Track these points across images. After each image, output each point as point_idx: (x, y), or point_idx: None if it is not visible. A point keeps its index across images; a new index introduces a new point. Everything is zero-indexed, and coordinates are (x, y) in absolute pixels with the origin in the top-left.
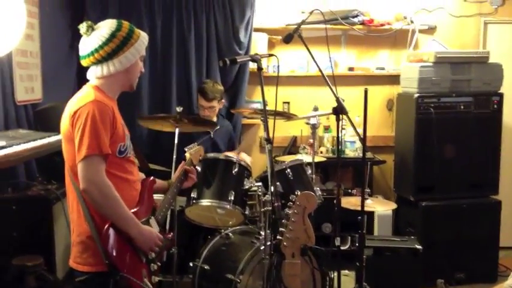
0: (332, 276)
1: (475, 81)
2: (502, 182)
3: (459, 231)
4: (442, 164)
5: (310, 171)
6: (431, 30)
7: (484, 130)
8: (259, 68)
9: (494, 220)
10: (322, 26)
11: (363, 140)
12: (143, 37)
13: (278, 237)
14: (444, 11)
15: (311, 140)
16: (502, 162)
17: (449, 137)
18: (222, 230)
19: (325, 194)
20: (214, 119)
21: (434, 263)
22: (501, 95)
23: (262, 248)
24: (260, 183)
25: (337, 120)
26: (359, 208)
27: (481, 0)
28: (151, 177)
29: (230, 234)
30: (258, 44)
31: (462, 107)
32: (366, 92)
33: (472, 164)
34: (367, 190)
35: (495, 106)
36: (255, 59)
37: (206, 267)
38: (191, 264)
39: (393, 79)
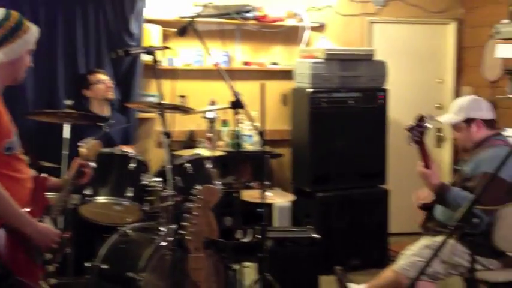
0: (235, 268)
1: (362, 77)
2: (389, 172)
3: (353, 220)
4: (335, 156)
5: (209, 165)
6: (321, 27)
7: (372, 123)
8: (155, 61)
9: (384, 208)
10: (217, 19)
11: (261, 133)
12: (33, 30)
13: (181, 231)
14: (332, 10)
15: (209, 134)
16: (389, 154)
17: (341, 130)
18: (120, 228)
19: (224, 187)
20: (108, 113)
21: (331, 251)
22: (386, 91)
23: (164, 243)
24: (159, 178)
25: (235, 114)
26: (259, 200)
27: (365, 0)
28: (43, 175)
29: (129, 231)
30: (151, 36)
31: (351, 102)
32: (263, 86)
33: (362, 156)
34: (267, 183)
35: (381, 101)
36: (150, 51)
37: (105, 266)
38: (88, 265)
39: (287, 74)
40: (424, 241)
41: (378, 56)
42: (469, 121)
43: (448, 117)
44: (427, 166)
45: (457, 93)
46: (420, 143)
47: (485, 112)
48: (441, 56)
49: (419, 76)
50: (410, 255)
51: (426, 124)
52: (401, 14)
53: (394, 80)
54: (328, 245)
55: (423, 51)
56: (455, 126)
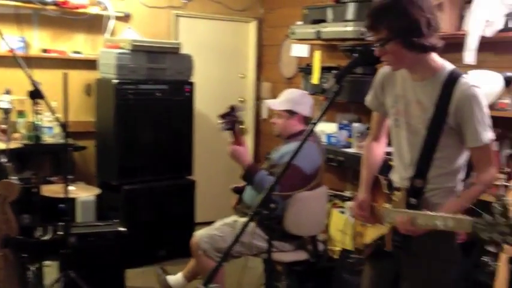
0: (35, 267)
1: (169, 70)
2: (195, 163)
3: (161, 212)
4: (143, 148)
5: (4, 159)
6: (127, 18)
7: (179, 116)
8: None
9: (190, 199)
10: (12, 2)
11: (63, 125)
12: None
13: None
14: (137, 1)
15: (3, 126)
16: (195, 145)
17: (149, 122)
18: None
19: (22, 183)
20: None
21: (138, 244)
22: (193, 84)
23: None
24: None
25: (34, 104)
26: (61, 195)
27: None
28: None
29: None
30: None
31: (159, 94)
32: (65, 76)
33: (169, 148)
34: (70, 177)
35: (188, 94)
36: None
37: None
38: None
39: (91, 64)
40: (229, 219)
41: (184, 50)
42: (291, 113)
43: (274, 103)
44: (239, 145)
45: (258, 88)
46: (232, 129)
47: (308, 109)
48: (243, 53)
49: (223, 71)
50: (213, 228)
51: (237, 113)
52: (206, 10)
53: (200, 74)
54: (135, 238)
55: (227, 47)
56: (278, 113)
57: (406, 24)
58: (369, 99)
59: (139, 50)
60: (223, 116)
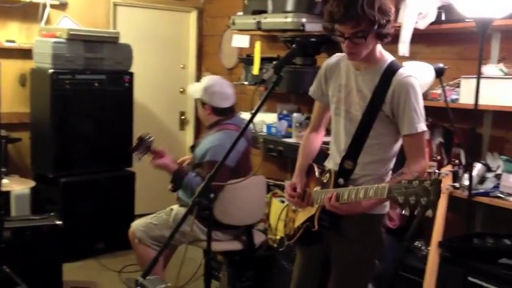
0: None
1: (108, 59)
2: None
3: (99, 204)
4: (81, 140)
5: None
6: (63, 6)
7: (119, 106)
8: None
9: (130, 191)
10: None
11: None
12: None
13: None
14: None
15: None
16: (135, 137)
17: (87, 113)
18: None
19: None
20: None
21: (76, 237)
22: (132, 74)
23: None
24: None
25: None
26: None
27: None
28: None
29: None
30: None
31: (97, 84)
32: None
33: (109, 139)
34: (3, 169)
35: (127, 84)
36: None
37: None
38: None
39: (26, 53)
40: (167, 208)
41: (123, 39)
42: (203, 103)
43: (192, 90)
44: (161, 158)
45: (198, 79)
46: (149, 151)
47: (217, 101)
48: (184, 43)
49: (164, 61)
50: (148, 217)
51: (147, 139)
52: None
53: (140, 64)
54: (73, 231)
55: (167, 37)
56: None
57: (383, 14)
58: (312, 89)
59: (76, 39)
60: (135, 149)
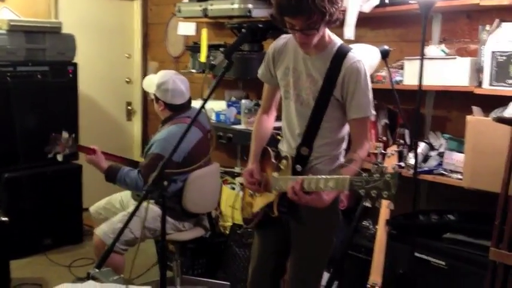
0: None
1: (50, 50)
2: None
3: (46, 198)
4: (25, 133)
5: None
6: None
7: (63, 98)
8: None
9: (77, 184)
10: None
11: None
12: None
13: None
14: None
15: None
16: (80, 129)
17: (29, 106)
18: None
19: None
20: None
21: (23, 233)
22: (75, 65)
23: None
24: None
25: None
26: None
27: None
28: None
29: None
30: None
31: (39, 76)
32: None
33: (54, 131)
34: None
35: (71, 75)
36: None
37: None
38: None
39: None
40: (130, 208)
41: (65, 29)
42: (157, 98)
43: (146, 84)
44: (91, 153)
45: (145, 68)
46: (73, 150)
47: (170, 98)
48: (129, 32)
49: (108, 51)
50: (115, 221)
51: (60, 139)
52: None
53: (84, 55)
54: (19, 228)
55: (111, 26)
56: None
57: (332, 3)
58: (260, 71)
59: (16, 30)
60: (50, 151)
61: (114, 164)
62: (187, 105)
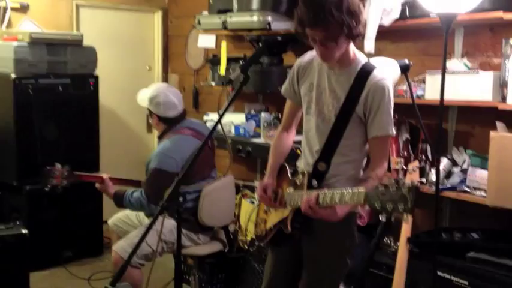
0: None
1: (71, 63)
2: (101, 159)
3: (67, 211)
4: (46, 145)
5: None
6: (24, 9)
7: (83, 111)
8: None
9: (98, 196)
10: None
11: None
12: None
13: None
14: None
15: None
16: (101, 140)
17: (51, 118)
18: None
19: None
20: None
21: (42, 246)
22: (96, 77)
23: None
24: None
25: None
26: None
27: None
28: None
29: None
30: None
31: (61, 89)
32: None
33: (74, 144)
34: None
35: (92, 88)
36: None
37: None
38: None
39: None
40: (146, 222)
41: (87, 42)
42: (151, 112)
43: (139, 99)
44: (99, 181)
45: (165, 80)
46: (77, 178)
47: (163, 111)
48: (149, 44)
49: (129, 63)
50: (131, 237)
51: (57, 170)
52: (108, 0)
53: (105, 67)
54: (39, 240)
55: (132, 39)
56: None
57: (352, 16)
58: (284, 87)
59: (38, 42)
60: (45, 184)
61: (119, 190)
62: (181, 117)
